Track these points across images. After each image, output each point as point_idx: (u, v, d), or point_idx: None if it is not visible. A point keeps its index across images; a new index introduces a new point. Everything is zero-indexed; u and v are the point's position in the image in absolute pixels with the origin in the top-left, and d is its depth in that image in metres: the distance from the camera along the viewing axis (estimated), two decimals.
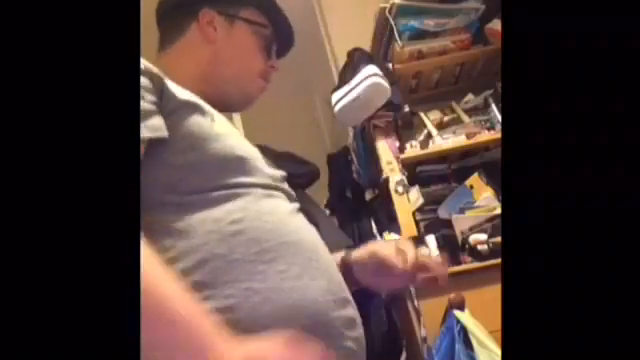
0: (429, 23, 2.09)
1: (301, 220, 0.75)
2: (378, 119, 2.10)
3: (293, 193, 0.80)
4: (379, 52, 2.24)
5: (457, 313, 1.55)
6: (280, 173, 0.80)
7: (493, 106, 2.15)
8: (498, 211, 1.89)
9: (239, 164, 0.72)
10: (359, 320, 0.73)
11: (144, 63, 0.71)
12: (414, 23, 2.07)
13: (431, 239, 1.95)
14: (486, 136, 2.06)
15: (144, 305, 0.51)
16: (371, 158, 2.16)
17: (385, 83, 1.96)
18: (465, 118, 2.17)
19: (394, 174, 2.02)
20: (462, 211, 1.96)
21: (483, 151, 2.11)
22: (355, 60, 2.06)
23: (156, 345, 0.53)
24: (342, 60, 2.21)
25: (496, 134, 2.04)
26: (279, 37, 0.96)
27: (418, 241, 1.95)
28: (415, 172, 2.11)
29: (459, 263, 1.85)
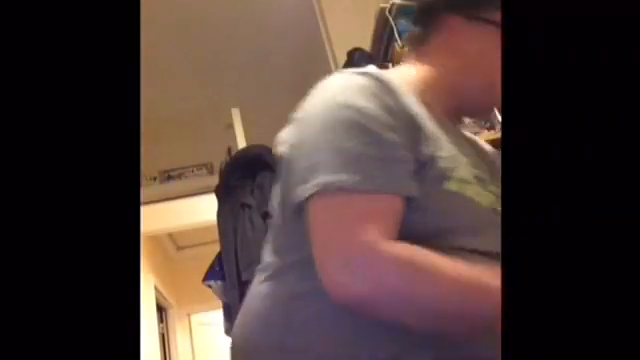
0: None
1: None
2: None
3: None
4: (379, 52, 2.24)
5: None
6: None
7: None
8: None
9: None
10: None
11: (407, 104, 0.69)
12: None
13: None
14: (486, 136, 2.06)
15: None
16: None
17: None
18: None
19: None
20: None
21: None
22: (355, 60, 2.07)
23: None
24: (342, 60, 2.21)
25: (496, 134, 2.04)
26: None
27: None
28: None
29: None
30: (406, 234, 0.64)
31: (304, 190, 0.64)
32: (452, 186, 0.68)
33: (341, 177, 0.62)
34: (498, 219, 0.69)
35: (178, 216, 4.18)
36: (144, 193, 3.73)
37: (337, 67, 2.41)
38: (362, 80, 0.70)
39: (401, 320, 0.63)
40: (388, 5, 2.05)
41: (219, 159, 3.17)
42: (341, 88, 0.70)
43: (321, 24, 2.74)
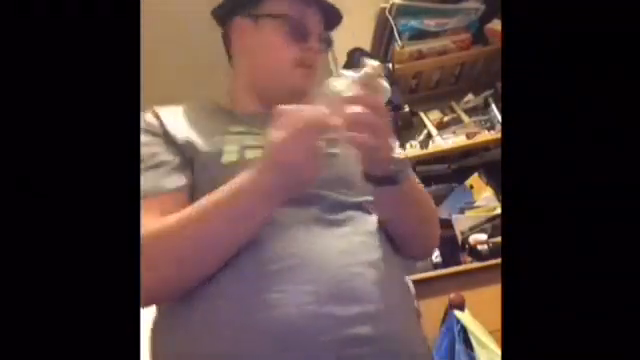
0: (429, 23, 2.09)
1: None
2: None
3: None
4: (379, 52, 2.24)
5: (457, 313, 1.55)
6: None
7: (493, 106, 2.15)
8: (498, 211, 1.89)
9: None
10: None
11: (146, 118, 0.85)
12: (414, 23, 2.07)
13: None
14: (486, 136, 2.06)
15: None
16: None
17: (385, 83, 1.96)
18: (465, 118, 2.17)
19: None
20: (462, 211, 1.96)
21: (483, 151, 2.11)
22: (355, 60, 2.06)
23: None
24: (342, 60, 2.21)
25: (496, 134, 2.04)
26: (314, 14, 0.91)
27: None
28: (415, 172, 2.10)
29: (459, 263, 1.85)
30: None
31: None
32: (225, 159, 0.79)
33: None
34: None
35: None
36: None
37: (337, 67, 2.41)
38: (144, 119, 0.86)
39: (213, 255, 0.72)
40: (388, 5, 2.06)
41: None
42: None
43: None
